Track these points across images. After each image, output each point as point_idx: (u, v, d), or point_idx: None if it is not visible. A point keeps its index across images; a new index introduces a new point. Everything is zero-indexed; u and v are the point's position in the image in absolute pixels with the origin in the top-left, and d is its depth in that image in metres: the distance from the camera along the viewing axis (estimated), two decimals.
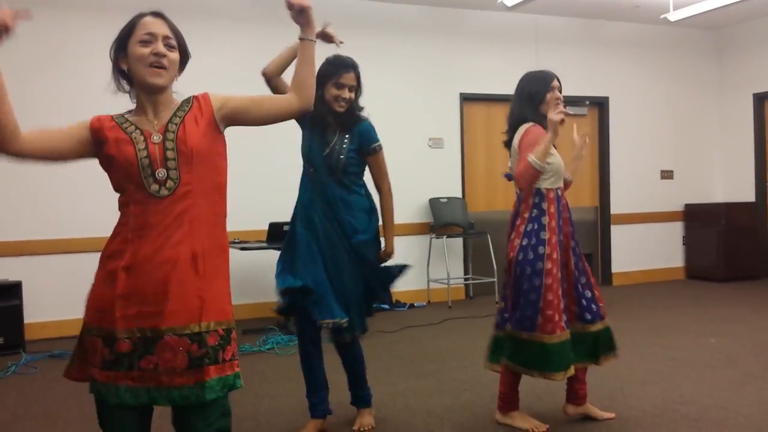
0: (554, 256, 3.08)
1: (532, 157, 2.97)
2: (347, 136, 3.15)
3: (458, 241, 7.36)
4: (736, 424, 3.29)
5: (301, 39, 2.05)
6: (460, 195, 7.35)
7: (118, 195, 1.98)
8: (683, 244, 8.45)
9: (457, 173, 7.38)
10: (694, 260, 8.33)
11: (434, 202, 7.12)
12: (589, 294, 3.19)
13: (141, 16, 1.96)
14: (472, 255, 7.43)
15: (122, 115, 1.99)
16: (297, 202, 3.27)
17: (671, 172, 8.40)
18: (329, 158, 3.12)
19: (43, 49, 5.84)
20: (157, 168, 1.89)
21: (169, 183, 1.89)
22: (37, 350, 5.26)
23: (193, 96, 2.03)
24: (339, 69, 3.09)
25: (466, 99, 7.43)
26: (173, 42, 1.96)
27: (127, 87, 2.00)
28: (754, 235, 8.09)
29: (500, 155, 7.70)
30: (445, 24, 7.32)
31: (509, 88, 8.19)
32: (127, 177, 1.90)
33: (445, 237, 6.98)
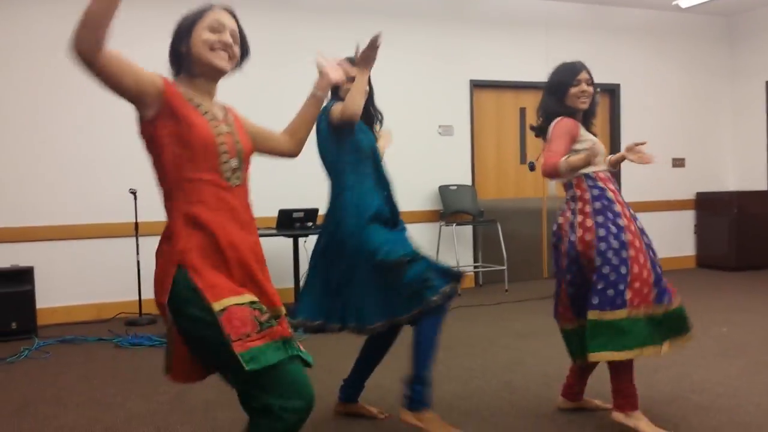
0: (632, 228, 2.98)
1: (564, 162, 2.87)
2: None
3: (468, 229, 7.35)
4: (748, 412, 3.28)
5: (313, 95, 2.30)
6: (469, 182, 7.33)
7: (166, 172, 1.90)
8: (694, 232, 8.41)
9: (467, 160, 7.36)
10: (705, 249, 8.29)
11: (444, 190, 7.11)
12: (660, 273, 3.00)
13: (212, 6, 1.99)
14: (482, 243, 7.42)
15: (182, 89, 1.95)
16: (369, 206, 3.04)
17: (683, 160, 8.35)
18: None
19: (49, 36, 5.85)
20: (230, 157, 1.95)
21: (238, 174, 1.97)
22: (49, 335, 5.30)
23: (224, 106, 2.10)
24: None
25: (477, 86, 7.39)
26: (237, 38, 2.01)
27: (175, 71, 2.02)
28: (766, 224, 8.03)
29: (510, 142, 7.68)
30: (456, 10, 7.28)
31: (519, 75, 8.17)
32: (203, 157, 1.89)
33: (454, 225, 6.97)
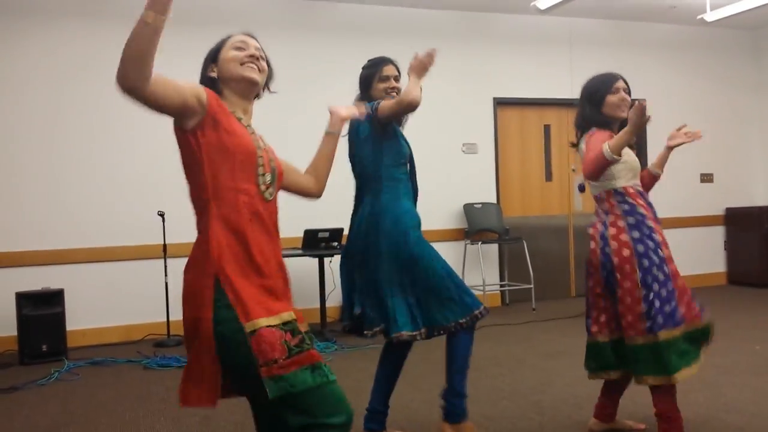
0: (667, 243, 2.97)
1: (606, 146, 2.77)
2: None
3: (493, 247, 7.31)
4: None
5: (328, 133, 2.35)
6: (494, 200, 7.30)
7: (202, 184, 1.89)
8: (724, 248, 8.28)
9: (492, 178, 7.34)
10: (736, 265, 8.15)
11: (468, 208, 7.09)
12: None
13: (232, 34, 2.08)
14: (508, 261, 7.38)
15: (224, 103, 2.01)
16: (412, 215, 3.08)
17: (711, 175, 8.25)
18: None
19: (78, 57, 5.96)
20: (266, 171, 1.99)
21: (271, 189, 2.01)
22: (79, 357, 5.35)
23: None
24: (377, 65, 3.15)
25: (500, 103, 7.39)
26: (264, 55, 2.06)
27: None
28: None
29: (535, 159, 7.65)
30: (479, 29, 7.30)
31: (543, 92, 8.14)
32: (242, 167, 1.92)
33: (480, 243, 6.94)
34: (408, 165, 3.15)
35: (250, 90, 2.03)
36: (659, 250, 2.89)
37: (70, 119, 5.98)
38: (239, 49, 2.02)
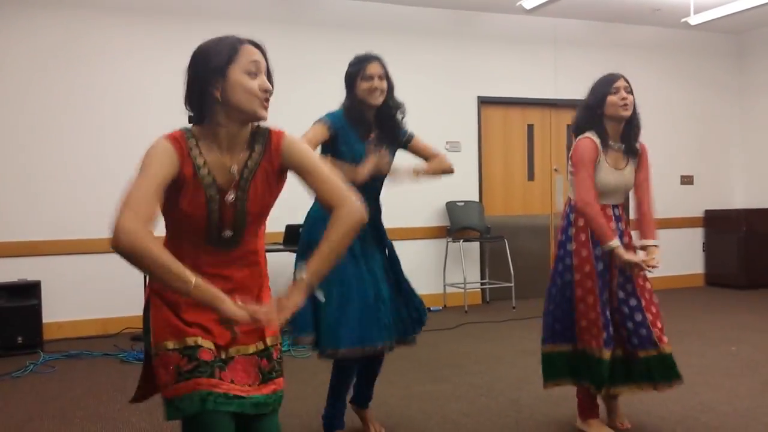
0: (586, 269, 3.03)
1: (615, 244, 2.97)
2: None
3: (475, 245, 7.33)
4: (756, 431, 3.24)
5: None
6: (477, 199, 7.32)
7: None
8: (703, 250, 8.36)
9: (475, 177, 7.35)
10: (714, 267, 8.23)
11: (451, 206, 7.09)
12: (639, 317, 3.03)
13: (240, 41, 1.81)
14: (489, 259, 7.40)
15: (193, 137, 1.82)
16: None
17: (691, 177, 8.32)
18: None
19: (50, 47, 5.89)
20: (224, 230, 1.84)
21: (231, 241, 1.86)
22: (55, 350, 5.29)
23: (269, 132, 1.90)
24: (361, 62, 3.04)
25: (484, 102, 7.40)
26: (268, 73, 1.85)
27: (198, 110, 1.83)
28: None
29: (518, 159, 7.67)
30: (464, 27, 7.30)
31: (527, 92, 8.17)
32: (189, 228, 1.82)
33: (461, 241, 6.95)
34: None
35: (252, 122, 1.85)
36: (567, 274, 3.10)
37: (47, 110, 5.90)
38: (252, 75, 1.78)
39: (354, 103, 3.06)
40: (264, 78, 1.81)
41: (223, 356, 1.83)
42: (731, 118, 8.55)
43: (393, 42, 6.89)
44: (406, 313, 3.17)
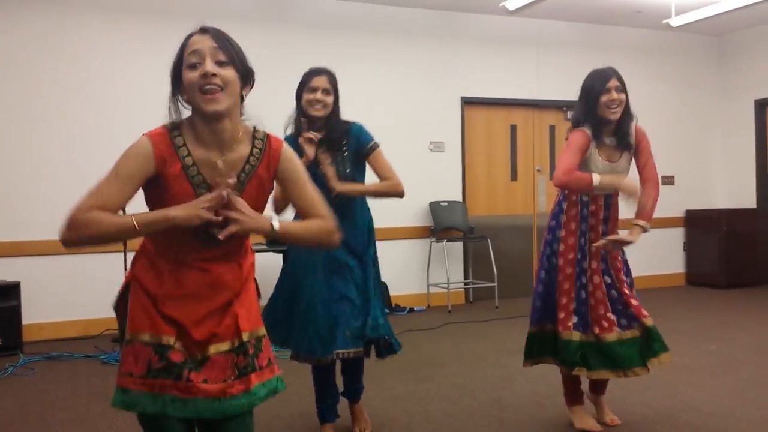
0: (569, 256, 3.12)
1: (597, 179, 3.03)
2: (343, 148, 3.13)
3: (458, 245, 7.34)
4: (738, 430, 3.27)
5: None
6: (460, 199, 7.33)
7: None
8: (684, 250, 8.43)
9: (458, 177, 7.37)
10: (694, 266, 8.30)
11: (435, 206, 7.10)
12: (622, 301, 3.21)
13: (188, 36, 1.77)
14: (473, 259, 7.41)
15: (180, 135, 1.79)
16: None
17: (672, 177, 8.38)
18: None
19: (27, 45, 5.83)
20: (212, 226, 1.79)
21: (217, 240, 1.82)
22: (35, 352, 5.23)
23: (267, 137, 1.88)
24: (308, 74, 3.12)
25: (468, 103, 7.41)
26: (223, 57, 1.73)
27: (183, 114, 1.83)
28: (755, 242, 8.06)
29: (501, 159, 7.69)
30: (447, 28, 7.31)
31: (510, 92, 8.17)
32: (176, 230, 1.76)
33: (445, 241, 6.96)
34: None
35: (217, 119, 1.75)
36: (552, 259, 3.21)
37: (30, 111, 5.83)
38: (193, 67, 1.72)
39: (299, 114, 3.15)
40: (206, 63, 1.71)
41: (199, 357, 1.82)
42: (712, 118, 8.63)
43: (377, 42, 6.89)
44: (361, 326, 3.11)
